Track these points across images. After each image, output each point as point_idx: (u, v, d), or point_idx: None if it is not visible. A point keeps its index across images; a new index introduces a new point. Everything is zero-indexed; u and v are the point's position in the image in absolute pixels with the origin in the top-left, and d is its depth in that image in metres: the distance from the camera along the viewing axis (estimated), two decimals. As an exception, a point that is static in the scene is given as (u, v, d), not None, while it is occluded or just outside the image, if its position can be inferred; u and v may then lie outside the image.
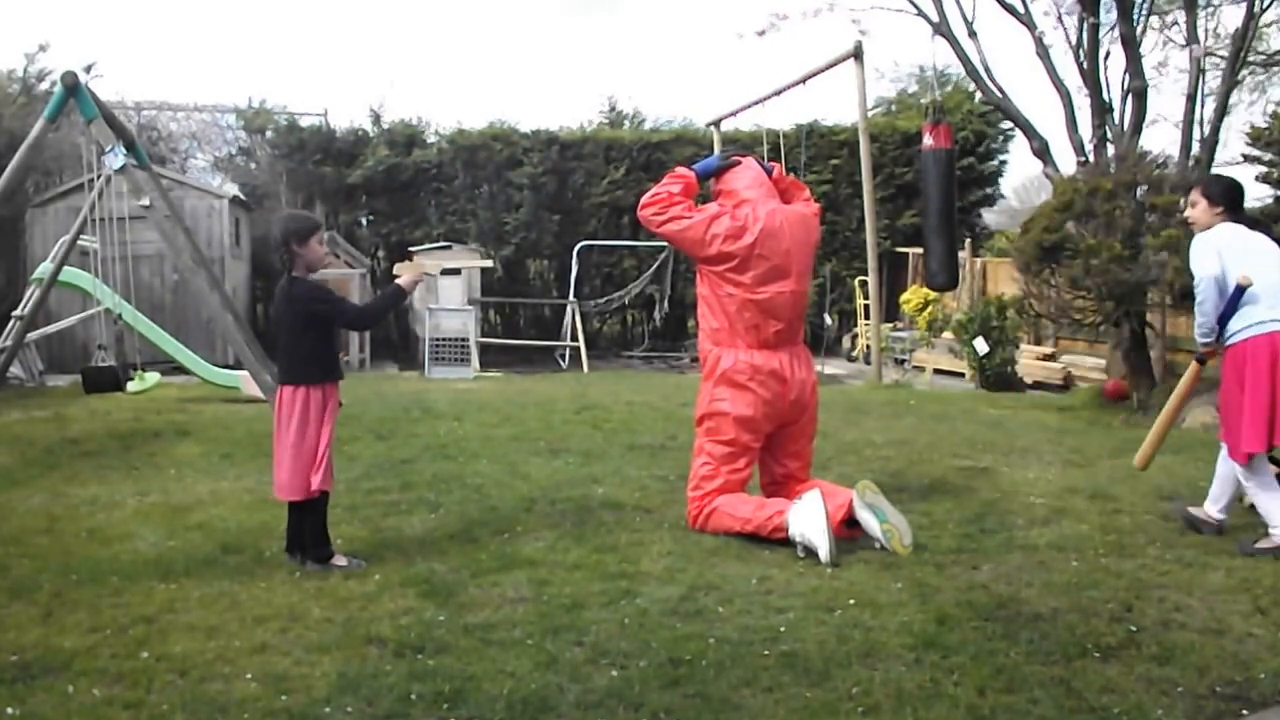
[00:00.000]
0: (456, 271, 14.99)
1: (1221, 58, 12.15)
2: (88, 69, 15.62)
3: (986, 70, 12.04)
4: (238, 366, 9.68)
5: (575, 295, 16.65)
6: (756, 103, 13.45)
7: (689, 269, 15.04)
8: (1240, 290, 4.65)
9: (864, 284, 14.45)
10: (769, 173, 5.41)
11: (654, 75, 48.12)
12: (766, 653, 3.41)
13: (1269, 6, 11.80)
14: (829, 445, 7.03)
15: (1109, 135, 11.38)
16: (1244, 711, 3.04)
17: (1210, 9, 12.86)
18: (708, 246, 5.03)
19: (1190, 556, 4.54)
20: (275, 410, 4.44)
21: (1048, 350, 13.51)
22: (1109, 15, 11.50)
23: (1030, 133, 11.81)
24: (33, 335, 10.96)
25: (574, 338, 15.76)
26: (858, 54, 11.69)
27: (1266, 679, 3.23)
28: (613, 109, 20.03)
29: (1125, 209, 9.10)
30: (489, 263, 16.00)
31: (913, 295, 14.17)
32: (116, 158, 7.49)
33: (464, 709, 3.01)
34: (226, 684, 3.18)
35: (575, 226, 17.58)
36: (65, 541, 4.79)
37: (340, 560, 4.39)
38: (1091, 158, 11.12)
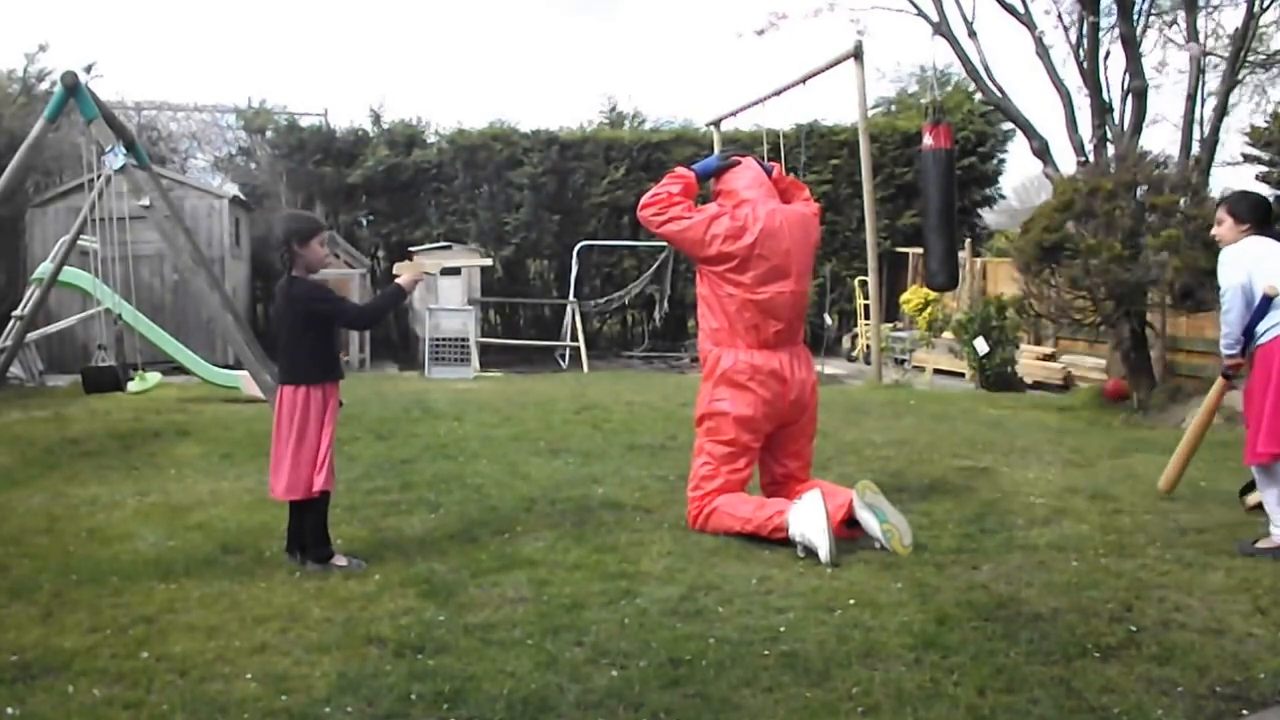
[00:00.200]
0: (456, 271, 14.99)
1: (1221, 58, 12.15)
2: (88, 69, 15.63)
3: (986, 70, 12.04)
4: (238, 366, 9.68)
5: (575, 295, 16.65)
6: (756, 103, 13.46)
7: (689, 269, 15.04)
8: (1267, 300, 4.57)
9: (864, 284, 14.45)
10: (768, 172, 5.41)
11: (654, 75, 48.17)
12: (766, 653, 3.41)
13: (1269, 6, 11.79)
14: (829, 445, 7.03)
15: (1109, 135, 11.37)
16: (1244, 711, 3.04)
17: (1210, 9, 12.85)
18: (708, 247, 5.03)
19: (1190, 556, 4.54)
20: (275, 410, 4.44)
21: (1048, 350, 13.51)
22: (1109, 15, 11.51)
23: (1030, 133, 11.81)
24: (33, 335, 10.96)
25: (574, 338, 15.76)
26: (858, 54, 11.69)
27: (1266, 679, 3.23)
28: (613, 109, 20.04)
29: (1125, 209, 9.10)
30: (488, 261, 16.00)
31: (913, 295, 14.16)
32: (116, 158, 7.50)
33: (464, 709, 3.01)
34: (226, 684, 3.18)
35: (575, 226, 17.58)
36: (65, 541, 4.79)
37: (340, 560, 4.39)
38: (1091, 158, 11.11)
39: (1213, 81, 11.89)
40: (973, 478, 6.21)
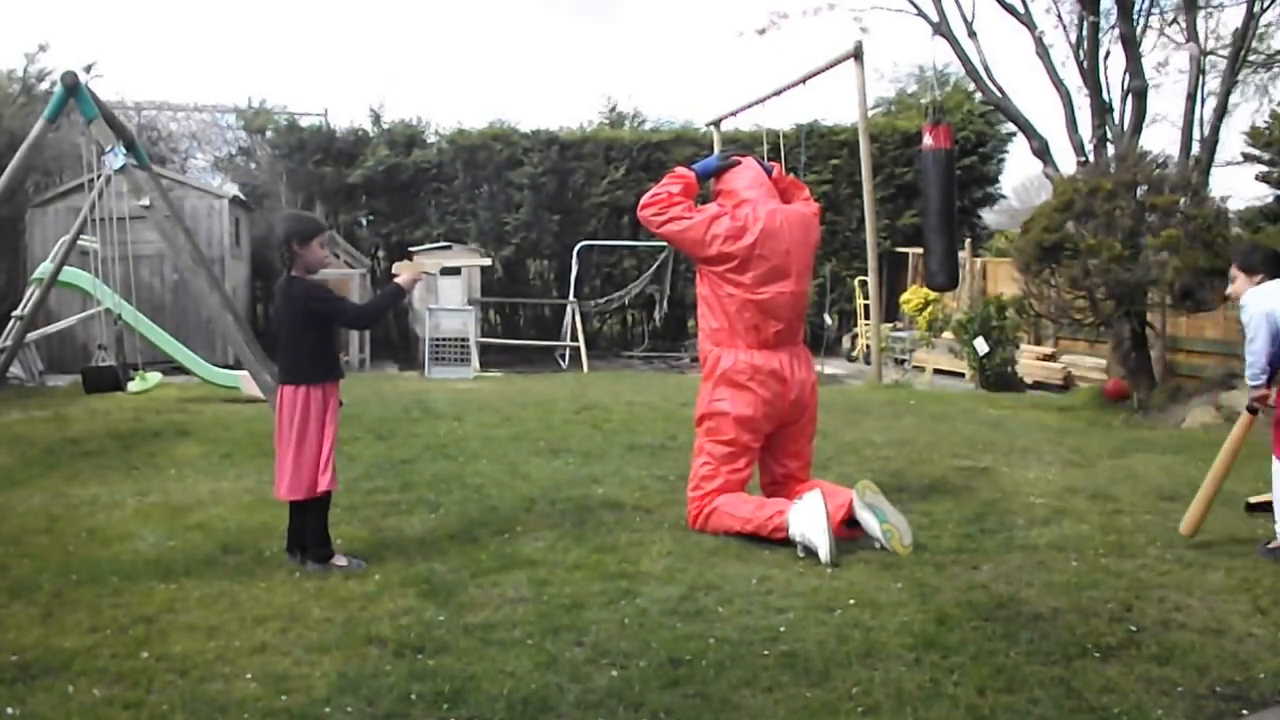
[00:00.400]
0: (456, 271, 14.99)
1: (1221, 58, 12.15)
2: (88, 69, 15.62)
3: (986, 70, 12.04)
4: (238, 366, 9.67)
5: (575, 295, 16.65)
6: (756, 103, 13.46)
7: (689, 269, 15.04)
8: None
9: (864, 284, 14.45)
10: (768, 172, 5.41)
11: (654, 75, 48.16)
12: (766, 653, 3.41)
13: (1269, 6, 11.79)
14: (829, 445, 7.03)
15: (1109, 135, 11.37)
16: (1244, 711, 3.05)
17: (1209, 10, 12.85)
18: (708, 247, 5.03)
19: (1190, 556, 4.54)
20: (276, 410, 4.44)
21: (1048, 350, 13.50)
22: (1109, 15, 11.51)
23: (1030, 133, 11.81)
24: (33, 335, 10.96)
25: (574, 338, 15.76)
26: (858, 54, 11.69)
27: (1266, 679, 3.23)
28: (613, 109, 20.04)
29: (1125, 209, 9.10)
30: (487, 261, 16.00)
31: (913, 295, 14.16)
32: (116, 158, 7.49)
33: (464, 709, 3.01)
34: (226, 684, 3.18)
35: (575, 226, 17.58)
36: (65, 541, 4.79)
37: (340, 560, 4.39)
38: (1091, 158, 11.11)
39: (1213, 82, 11.90)
40: (973, 478, 6.21)
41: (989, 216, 20.40)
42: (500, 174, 17.42)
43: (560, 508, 5.42)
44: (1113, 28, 11.51)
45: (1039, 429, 8.56)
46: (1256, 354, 4.59)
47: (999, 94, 12.04)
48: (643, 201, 5.24)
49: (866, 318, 14.74)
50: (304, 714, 2.98)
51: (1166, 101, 39.05)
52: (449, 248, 15.74)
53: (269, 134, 17.91)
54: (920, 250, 13.54)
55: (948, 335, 13.39)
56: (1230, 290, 4.95)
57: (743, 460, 5.07)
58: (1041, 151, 11.68)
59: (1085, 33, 11.58)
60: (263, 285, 16.69)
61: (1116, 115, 11.54)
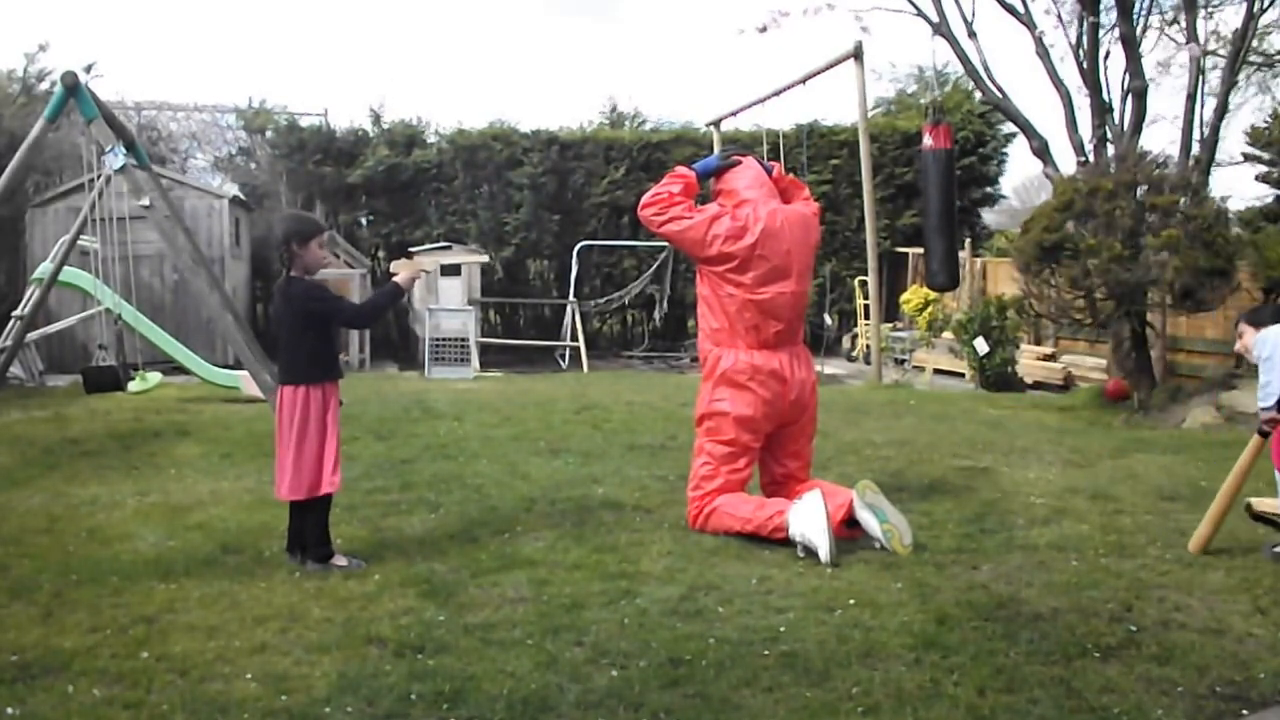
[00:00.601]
0: (456, 271, 15.00)
1: (1221, 58, 12.15)
2: (88, 69, 15.64)
3: (986, 70, 12.04)
4: (238, 366, 9.68)
5: (575, 295, 16.65)
6: (756, 103, 13.46)
7: (689, 269, 15.04)
8: None
9: (864, 284, 14.45)
10: (769, 172, 5.40)
11: (654, 75, 48.16)
12: (766, 653, 3.41)
13: (1269, 6, 11.79)
14: (829, 445, 7.03)
15: (1109, 135, 11.38)
16: (1244, 711, 3.04)
17: (1209, 10, 12.85)
18: (708, 247, 5.03)
19: (1190, 556, 4.54)
20: (275, 410, 4.44)
21: (1048, 350, 13.51)
22: (1109, 15, 11.52)
23: (1030, 133, 11.81)
24: (33, 335, 10.96)
25: (574, 338, 15.76)
26: (858, 54, 11.69)
27: (1266, 679, 3.23)
28: (613, 109, 20.05)
29: (1125, 209, 9.10)
30: (485, 258, 16.00)
31: (913, 295, 14.16)
32: (116, 158, 7.49)
33: (464, 709, 3.01)
34: (226, 684, 3.18)
35: (575, 226, 17.58)
36: (65, 541, 4.79)
37: (340, 560, 4.39)
38: (1091, 158, 11.12)
39: (1213, 81, 11.90)
40: (973, 478, 6.21)
41: (989, 216, 20.40)
42: (500, 174, 17.42)
43: (560, 508, 5.42)
44: (1113, 28, 11.52)
45: (1039, 429, 8.56)
46: (1274, 376, 4.55)
47: (999, 94, 12.04)
48: (643, 201, 5.23)
49: (866, 318, 14.74)
50: (304, 714, 2.98)
51: (1166, 101, 39.09)
52: (449, 248, 15.75)
53: (269, 134, 17.92)
54: (920, 250, 13.54)
55: (948, 335, 13.40)
56: (1239, 346, 4.96)
57: (743, 460, 5.07)
58: (1041, 151, 11.68)
59: (1085, 33, 11.58)
60: (263, 285, 16.69)
61: (1116, 115, 11.55)
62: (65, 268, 10.05)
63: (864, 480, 4.88)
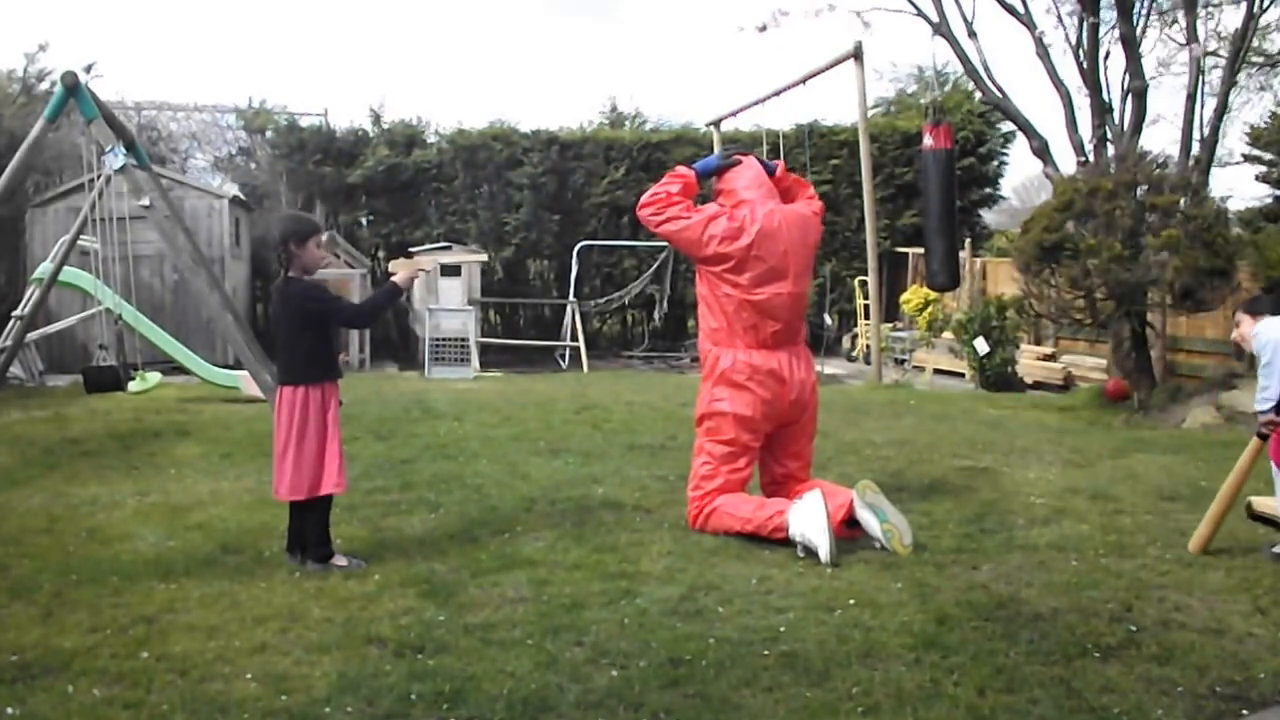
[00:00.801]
0: (456, 271, 15.00)
1: (1221, 58, 12.15)
2: (88, 69, 15.63)
3: (986, 70, 12.04)
4: (238, 366, 9.68)
5: (575, 295, 16.65)
6: (756, 103, 13.46)
7: (689, 269, 15.04)
8: None
9: (864, 284, 14.45)
10: (771, 170, 5.40)
11: (654, 75, 48.17)
12: (766, 653, 3.41)
13: (1269, 6, 11.80)
14: (829, 445, 7.03)
15: (1109, 135, 11.37)
16: (1244, 711, 3.04)
17: (1209, 10, 12.85)
18: (705, 247, 5.05)
19: (1190, 557, 4.54)
20: (275, 411, 4.44)
21: (1048, 350, 13.51)
22: (1110, 11, 11.51)
23: (1030, 133, 11.81)
24: (33, 335, 10.96)
25: (574, 338, 15.76)
26: (858, 54, 11.69)
27: (1266, 679, 3.23)
28: (613, 109, 20.05)
29: (1125, 209, 9.10)
30: (484, 257, 16.00)
31: (913, 295, 14.17)
32: (116, 158, 7.49)
33: (464, 709, 3.01)
34: (226, 684, 3.18)
35: (575, 226, 17.58)
36: (65, 541, 4.79)
37: (340, 560, 4.39)
38: (1091, 158, 11.12)
39: (1213, 81, 11.90)
40: (973, 478, 6.21)
41: (989, 216, 20.41)
42: (500, 174, 17.42)
43: (560, 508, 5.42)
44: (1113, 28, 11.52)
45: (1039, 429, 8.56)
46: (1272, 380, 4.55)
47: (999, 94, 12.04)
48: (642, 201, 5.26)
49: (866, 318, 14.74)
50: (304, 714, 2.98)
51: (1166, 101, 39.08)
52: (449, 248, 15.75)
53: (269, 134, 17.91)
54: (920, 250, 13.54)
55: (948, 335, 13.40)
56: (1236, 335, 4.96)
57: (743, 460, 5.07)
58: (1041, 151, 11.68)
59: (1085, 33, 11.58)
60: (263, 285, 16.68)
61: (1116, 115, 11.54)
62: (65, 268, 10.05)
63: (864, 480, 4.88)
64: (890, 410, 9.52)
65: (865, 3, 17.72)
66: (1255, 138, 13.31)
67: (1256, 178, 13.21)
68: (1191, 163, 10.57)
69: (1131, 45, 11.11)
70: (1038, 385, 12.59)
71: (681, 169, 5.35)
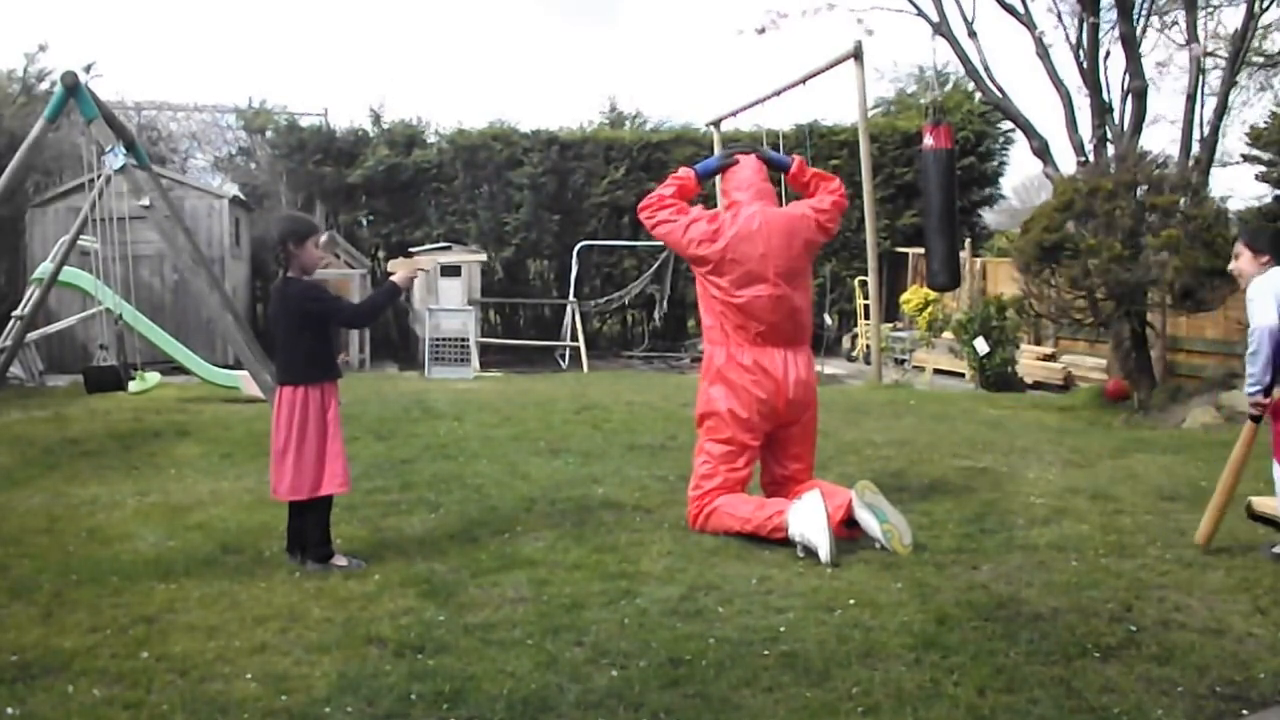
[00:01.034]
0: (456, 271, 15.00)
1: (1221, 58, 12.15)
2: (88, 69, 15.63)
3: (986, 70, 12.04)
4: (238, 366, 9.68)
5: (575, 295, 16.65)
6: (756, 103, 13.46)
7: (689, 269, 15.02)
8: None
9: (864, 284, 14.45)
10: (786, 165, 5.37)
11: (654, 76, 48.16)
12: (766, 653, 3.41)
13: (1269, 6, 11.79)
14: (829, 445, 7.02)
15: (1109, 135, 11.38)
16: (1244, 711, 3.04)
17: (1210, 9, 12.85)
18: (686, 249, 5.17)
19: (1190, 556, 4.53)
20: (274, 411, 4.44)
21: (1048, 350, 13.51)
22: (1109, 15, 11.52)
23: (1030, 133, 11.81)
24: (33, 335, 10.96)
25: (574, 338, 15.76)
26: (858, 54, 11.69)
27: (1266, 679, 3.23)
28: (613, 109, 20.06)
29: (1125, 209, 9.10)
30: (483, 257, 16.01)
31: (913, 295, 14.17)
32: (116, 158, 7.50)
33: (464, 709, 3.01)
34: (226, 684, 3.18)
35: (575, 226, 17.58)
36: (65, 541, 4.79)
37: (340, 560, 4.39)
38: (1091, 158, 11.12)
39: (1213, 81, 11.91)
40: (973, 478, 6.21)
41: (989, 216, 20.41)
42: (500, 174, 17.42)
43: (560, 508, 5.42)
44: (1113, 28, 11.52)
45: (1039, 429, 8.56)
46: (1258, 368, 4.50)
47: (999, 94, 12.04)
48: (641, 203, 5.35)
49: (866, 318, 14.74)
50: (304, 714, 2.98)
51: (1166, 101, 39.10)
52: (449, 248, 15.76)
53: (269, 134, 17.92)
54: (921, 250, 13.54)
55: (948, 335, 13.40)
56: (1233, 266, 4.82)
57: (742, 459, 5.07)
58: (1041, 151, 11.68)
59: (1085, 33, 11.58)
60: (262, 285, 16.68)
61: (1116, 115, 11.55)
62: (65, 268, 10.05)
63: (862, 481, 4.87)
64: (890, 410, 9.52)
65: (865, 2, 17.71)
66: (1255, 138, 13.30)
67: (1256, 178, 13.20)
68: (1191, 163, 10.57)
69: (1131, 45, 11.11)
70: (1038, 385, 12.59)
71: (683, 170, 5.41)
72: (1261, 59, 14.03)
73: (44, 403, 9.60)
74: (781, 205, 5.41)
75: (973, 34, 11.96)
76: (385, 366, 15.24)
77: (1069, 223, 9.47)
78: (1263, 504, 5.03)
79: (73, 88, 7.43)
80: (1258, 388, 4.54)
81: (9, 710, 3.01)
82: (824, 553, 4.40)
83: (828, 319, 15.44)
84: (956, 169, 11.48)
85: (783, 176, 5.60)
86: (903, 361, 14.34)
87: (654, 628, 3.63)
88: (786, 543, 4.61)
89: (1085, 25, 11.55)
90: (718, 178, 5.64)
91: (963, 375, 13.03)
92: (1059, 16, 12.18)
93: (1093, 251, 8.97)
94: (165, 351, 10.47)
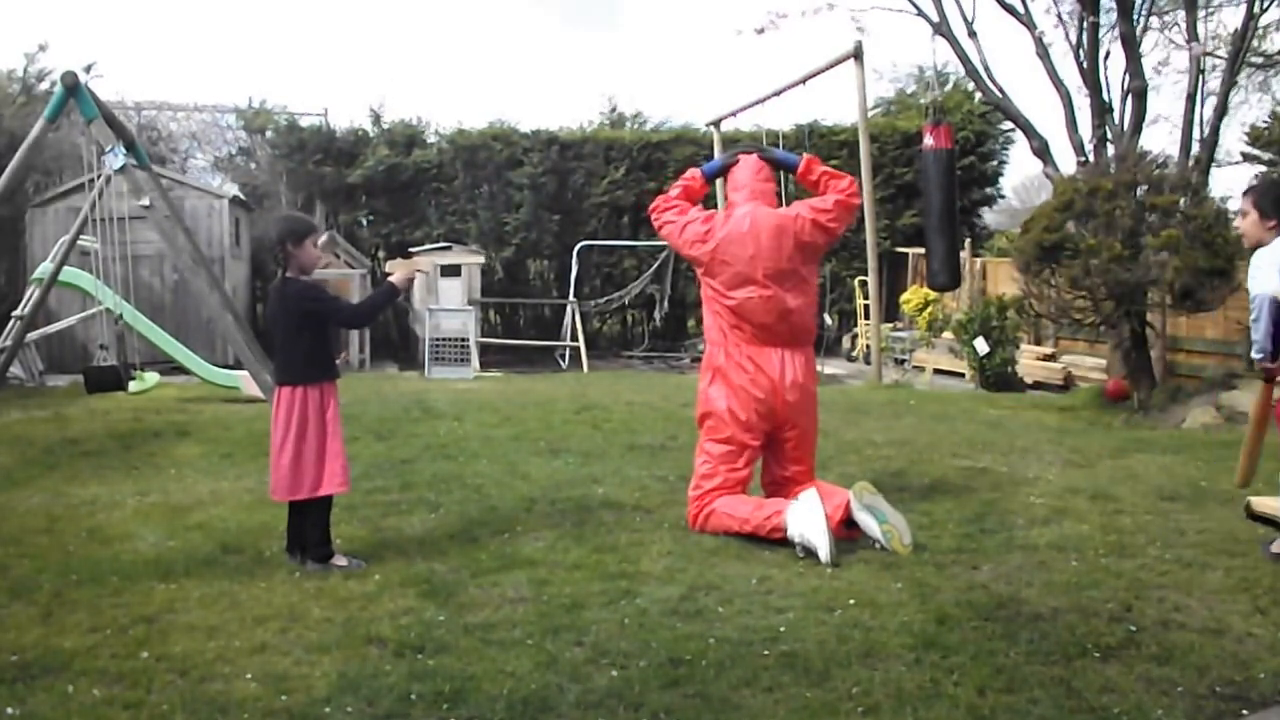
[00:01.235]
0: (456, 271, 15.00)
1: (1221, 58, 12.15)
2: (88, 69, 15.64)
3: (986, 70, 12.04)
4: (238, 366, 9.68)
5: (575, 295, 16.65)
6: (756, 103, 13.46)
7: (689, 268, 15.04)
8: None
9: (864, 284, 14.45)
10: (794, 165, 5.34)
11: (654, 76, 48.16)
12: (766, 653, 3.41)
13: (1269, 6, 11.80)
14: (829, 445, 7.02)
15: (1109, 135, 11.38)
16: (1244, 711, 3.04)
17: (1210, 9, 12.85)
18: (683, 249, 5.25)
19: (1190, 556, 4.53)
20: (273, 411, 4.44)
21: (1048, 350, 13.51)
22: (1109, 15, 11.52)
23: (1030, 133, 11.81)
24: (33, 335, 10.96)
25: (574, 338, 15.76)
26: (858, 54, 11.69)
27: (1266, 679, 3.23)
28: (613, 109, 20.06)
29: (1125, 209, 9.10)
30: (482, 258, 16.01)
31: (913, 295, 14.17)
32: (116, 158, 7.51)
33: (464, 709, 3.01)
34: (226, 684, 3.18)
35: (575, 226, 17.59)
36: (65, 541, 4.79)
37: (340, 560, 4.39)
38: (1091, 158, 11.12)
39: (1213, 81, 11.90)
40: (973, 478, 6.21)
41: (989, 216, 20.41)
42: (500, 174, 17.43)
43: (560, 508, 5.42)
44: (1112, 28, 11.52)
45: (1039, 429, 8.56)
46: (1260, 336, 4.46)
47: (999, 94, 12.04)
48: (652, 204, 5.45)
49: (866, 318, 14.74)
50: (304, 714, 2.98)
51: (1166, 101, 39.11)
52: (449, 248, 15.76)
53: (269, 134, 17.93)
54: (921, 250, 13.54)
55: (948, 335, 13.40)
56: (1239, 223, 4.70)
57: (742, 459, 5.06)
58: (1041, 151, 11.68)
59: (1085, 33, 11.58)
60: (262, 285, 16.68)
61: (1116, 115, 11.55)
62: (65, 268, 10.05)
63: (860, 483, 4.86)
64: (890, 410, 9.51)
65: (865, 2, 17.74)
66: (1255, 138, 13.29)
67: (1256, 178, 13.19)
68: (1191, 163, 10.57)
69: (1131, 45, 11.11)
70: (1038, 385, 12.59)
71: (692, 171, 5.48)
72: (1261, 59, 14.03)
73: (44, 403, 9.60)
74: (782, 205, 5.40)
75: (973, 34, 11.98)
76: (385, 366, 15.24)
77: (1069, 223, 9.47)
78: (1262, 504, 5.02)
79: (73, 88, 7.44)
80: (1261, 353, 4.55)
81: (9, 710, 3.01)
82: (823, 553, 4.40)
83: (828, 319, 15.45)
84: (956, 169, 11.48)
85: (791, 175, 5.55)
86: (903, 361, 14.34)
87: (654, 628, 3.63)
88: (786, 543, 4.61)
89: (1085, 25, 11.55)
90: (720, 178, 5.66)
91: (963, 375, 13.03)
92: (1059, 16, 12.21)
93: (1093, 251, 8.97)
94: (165, 351, 10.48)
